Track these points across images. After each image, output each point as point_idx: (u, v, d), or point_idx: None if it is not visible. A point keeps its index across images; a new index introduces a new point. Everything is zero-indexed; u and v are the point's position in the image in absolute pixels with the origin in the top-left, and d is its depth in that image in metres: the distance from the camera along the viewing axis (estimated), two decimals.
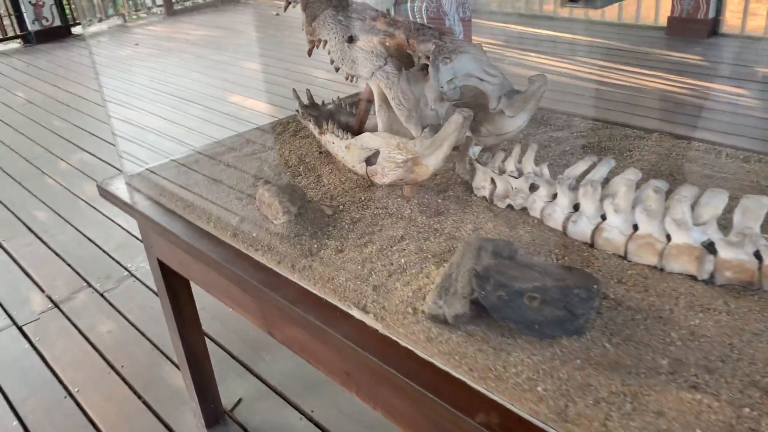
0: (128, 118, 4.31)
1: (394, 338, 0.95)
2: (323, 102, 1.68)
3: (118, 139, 1.66)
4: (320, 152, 1.60)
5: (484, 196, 1.29)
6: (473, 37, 3.26)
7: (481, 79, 1.32)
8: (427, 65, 1.27)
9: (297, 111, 1.63)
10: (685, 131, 3.59)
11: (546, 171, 1.19)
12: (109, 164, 3.83)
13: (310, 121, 1.57)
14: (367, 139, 1.31)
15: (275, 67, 5.52)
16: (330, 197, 1.37)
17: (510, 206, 1.25)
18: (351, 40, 1.35)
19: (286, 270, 1.14)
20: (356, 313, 1.01)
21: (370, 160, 1.34)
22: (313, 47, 1.48)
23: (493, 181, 1.26)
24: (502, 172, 1.25)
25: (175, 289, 1.66)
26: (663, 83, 4.41)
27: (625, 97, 4.17)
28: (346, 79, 1.36)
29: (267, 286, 1.12)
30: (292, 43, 6.11)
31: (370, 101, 1.52)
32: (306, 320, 1.04)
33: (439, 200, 1.30)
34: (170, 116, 4.52)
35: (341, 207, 1.32)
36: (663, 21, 5.66)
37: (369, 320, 0.99)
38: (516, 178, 1.22)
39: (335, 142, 1.44)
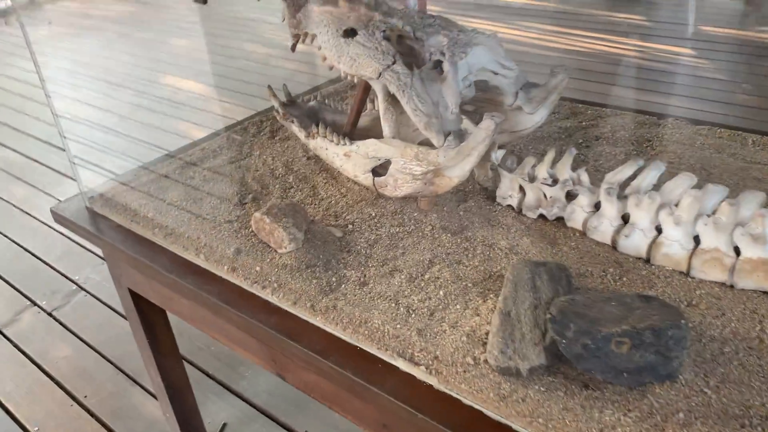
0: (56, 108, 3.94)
1: (456, 395, 0.82)
2: (302, 98, 1.50)
3: (69, 143, 1.43)
4: (308, 157, 1.42)
5: (511, 206, 1.16)
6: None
7: (496, 73, 1.19)
8: (440, 62, 1.12)
9: (276, 111, 1.45)
10: (654, 99, 3.57)
11: (585, 177, 1.07)
12: (39, 162, 3.49)
13: (293, 122, 1.39)
14: (374, 147, 1.16)
15: (211, 44, 5.19)
16: (334, 214, 1.21)
17: (542, 216, 1.12)
18: (348, 34, 1.17)
19: (305, 311, 0.98)
20: (402, 365, 0.87)
21: (377, 170, 1.18)
22: (297, 42, 1.30)
23: (521, 189, 1.14)
24: (532, 179, 1.12)
25: (151, 318, 1.47)
26: (614, 46, 4.38)
27: (582, 64, 4.12)
28: (343, 78, 1.19)
29: (285, 334, 0.96)
30: (227, 16, 5.76)
31: (364, 99, 1.36)
32: (340, 374, 0.89)
33: (461, 212, 1.16)
34: (102, 103, 4.17)
35: (350, 226, 1.16)
36: None
37: (420, 373, 0.85)
38: (550, 185, 1.09)
39: (329, 148, 1.28)
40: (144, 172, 1.42)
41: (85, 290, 2.46)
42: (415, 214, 1.17)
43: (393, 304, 0.95)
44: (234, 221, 1.20)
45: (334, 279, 1.03)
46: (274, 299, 1.02)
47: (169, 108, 4.02)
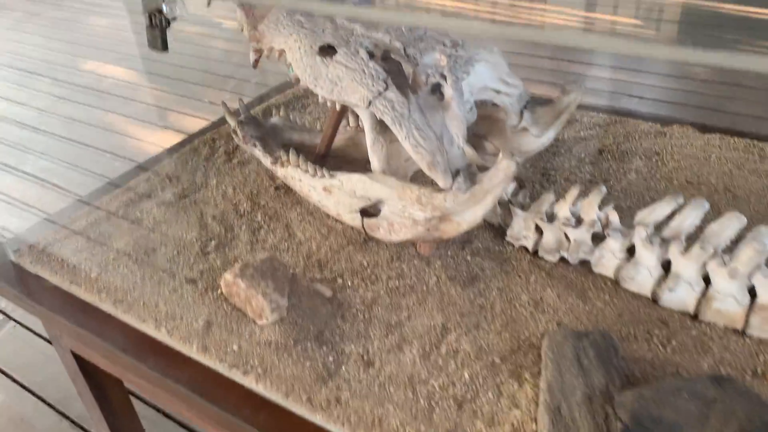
0: None
1: None
2: (259, 113, 1.30)
3: None
4: (276, 187, 1.23)
5: (525, 247, 1.01)
6: None
7: (499, 92, 1.02)
8: (439, 85, 0.94)
9: (233, 132, 1.25)
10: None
11: (615, 218, 0.92)
12: None
13: (255, 146, 1.19)
14: (362, 186, 0.98)
15: (137, 24, 4.80)
16: (318, 264, 1.03)
17: (563, 260, 0.98)
18: (324, 51, 0.98)
19: (301, 405, 0.81)
20: None
21: (366, 211, 1.01)
22: (260, 58, 1.09)
23: (538, 229, 0.98)
24: (551, 218, 0.96)
25: (101, 381, 1.26)
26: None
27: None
28: (324, 102, 1.00)
29: None
30: None
31: (338, 123, 1.17)
32: None
33: (468, 256, 1.01)
34: (14, 95, 3.78)
35: (340, 280, 0.99)
36: None
37: None
38: (574, 227, 0.94)
39: (303, 180, 1.09)
40: (82, 211, 1.19)
41: (14, 320, 2.20)
42: (415, 261, 1.00)
43: (409, 394, 0.79)
44: (198, 280, 1.00)
45: (331, 358, 0.85)
46: (260, 388, 0.84)
47: (94, 98, 3.68)
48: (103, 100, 3.66)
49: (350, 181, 1.00)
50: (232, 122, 1.27)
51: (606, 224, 0.92)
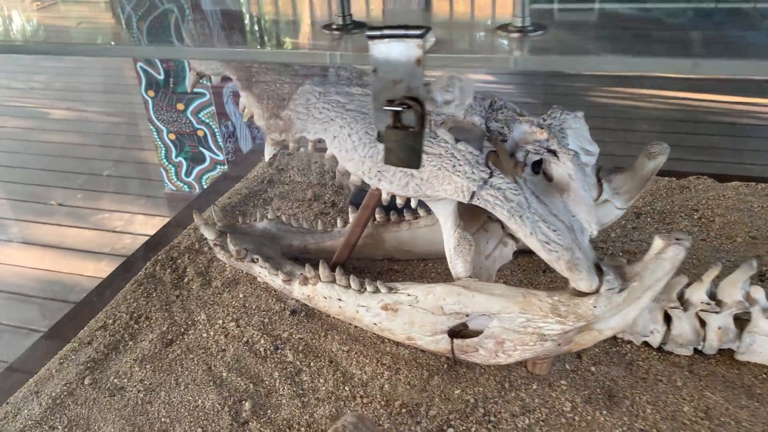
0: None
1: None
2: (240, 218, 1.04)
3: None
4: (291, 311, 0.96)
5: (647, 343, 0.84)
6: None
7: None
8: (540, 162, 0.76)
9: (215, 246, 0.97)
10: None
11: (761, 294, 0.79)
12: None
13: (255, 262, 0.93)
14: (456, 299, 0.76)
15: None
16: (406, 410, 0.78)
17: (698, 352, 0.82)
18: None
19: None
20: None
21: (455, 328, 0.79)
22: (277, 153, 0.84)
23: (667, 318, 0.82)
24: (686, 304, 0.81)
25: None
26: None
27: None
28: (386, 200, 0.78)
29: None
30: None
31: (368, 220, 0.95)
32: None
33: (591, 367, 0.82)
34: None
35: (451, 430, 0.75)
36: None
37: None
38: (717, 312, 0.79)
39: (345, 299, 0.85)
40: (26, 389, 0.83)
41: None
42: (534, 386, 0.79)
43: None
44: None
45: None
46: None
47: None
48: None
49: (433, 294, 0.78)
50: (210, 235, 0.99)
51: (753, 303, 0.79)
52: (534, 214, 0.71)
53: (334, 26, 0.53)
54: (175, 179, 2.79)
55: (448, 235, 0.79)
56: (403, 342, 0.83)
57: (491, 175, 0.72)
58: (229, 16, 0.81)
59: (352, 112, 0.78)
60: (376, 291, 0.83)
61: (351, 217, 1.01)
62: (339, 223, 1.03)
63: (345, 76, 0.83)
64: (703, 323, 0.81)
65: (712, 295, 0.80)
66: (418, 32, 0.35)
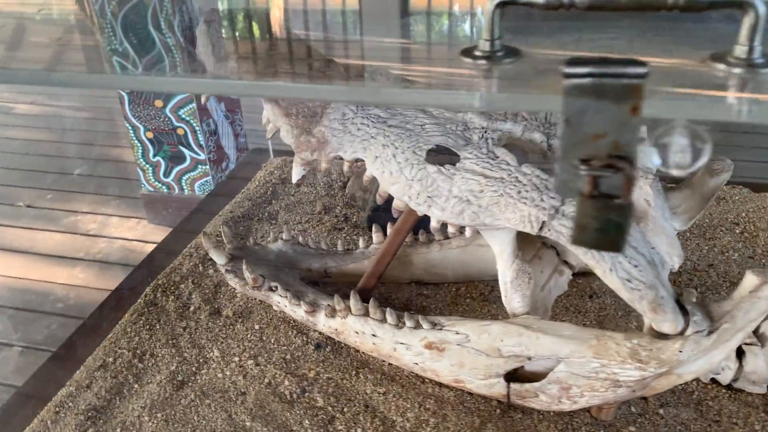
0: None
1: None
2: (251, 239, 0.94)
3: None
4: (316, 346, 0.86)
5: (715, 380, 0.77)
6: None
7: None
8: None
9: (227, 272, 0.87)
10: None
11: None
12: None
13: (273, 291, 0.83)
14: (516, 341, 0.68)
15: None
16: None
17: None
18: (444, 160, 0.67)
19: None
20: None
21: (514, 373, 0.70)
22: (306, 175, 0.74)
23: (739, 353, 0.75)
24: (761, 338, 0.74)
25: None
26: None
27: None
28: (436, 228, 0.69)
29: None
30: None
31: (402, 241, 0.86)
32: None
33: (659, 410, 0.74)
34: None
35: None
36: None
37: None
38: None
39: (380, 335, 0.76)
40: None
41: None
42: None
43: None
44: None
45: None
46: None
47: None
48: None
49: (488, 334, 0.69)
50: (220, 260, 0.89)
51: None
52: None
53: (477, 52, 0.42)
54: (153, 179, 2.64)
55: (504, 266, 0.71)
56: (450, 383, 0.75)
57: (563, 203, 0.63)
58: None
59: (395, 129, 0.68)
60: (417, 326, 0.75)
61: (375, 237, 0.92)
62: (361, 243, 0.94)
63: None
64: None
65: None
66: (640, 70, 0.27)
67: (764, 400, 0.74)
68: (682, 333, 0.62)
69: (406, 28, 0.61)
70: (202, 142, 2.49)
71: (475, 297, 0.92)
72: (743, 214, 1.08)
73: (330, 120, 0.70)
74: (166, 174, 2.63)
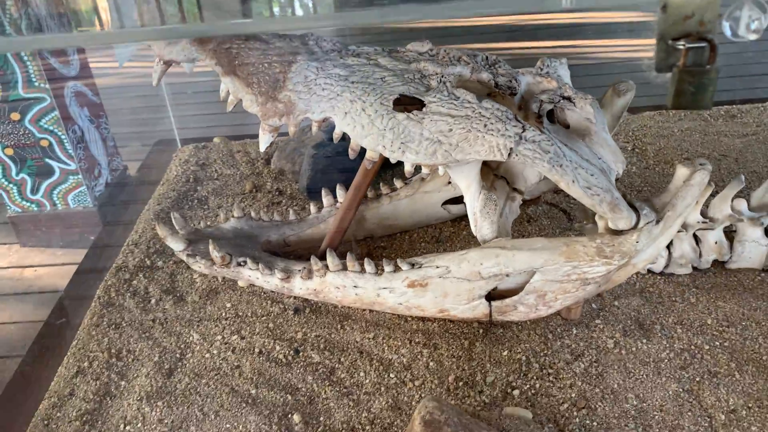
0: None
1: None
2: (201, 222, 0.94)
3: None
4: (294, 310, 0.89)
5: (650, 270, 0.89)
6: None
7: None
8: (553, 111, 0.77)
9: (189, 257, 0.87)
10: None
11: (744, 206, 0.86)
12: None
13: (243, 265, 0.85)
14: (494, 262, 0.75)
15: None
16: (463, 383, 0.76)
17: (695, 269, 0.89)
18: (402, 106, 0.72)
19: None
20: None
21: (494, 291, 0.78)
22: (274, 139, 0.76)
23: (669, 246, 0.87)
24: (686, 225, 0.86)
25: None
26: None
27: None
28: (410, 173, 0.74)
29: None
30: None
31: (362, 198, 0.90)
32: None
33: (615, 302, 0.85)
34: None
35: (516, 392, 0.74)
36: None
37: None
38: (713, 229, 0.86)
39: (362, 284, 0.81)
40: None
41: None
42: (575, 330, 0.81)
43: None
44: None
45: None
46: None
47: None
48: None
49: (467, 261, 0.76)
50: (178, 246, 0.88)
51: (738, 216, 0.86)
52: (571, 162, 0.71)
53: None
54: (20, 199, 2.44)
55: (472, 198, 0.77)
56: (434, 316, 0.81)
57: (524, 129, 0.71)
58: None
59: (358, 84, 0.72)
60: (397, 270, 0.79)
61: (325, 201, 0.95)
62: (312, 209, 0.97)
63: (329, 48, 0.77)
64: (698, 241, 0.87)
65: (703, 214, 0.87)
66: None
67: (692, 278, 0.88)
68: (635, 227, 0.72)
69: None
70: (70, 151, 2.33)
71: (428, 240, 0.98)
72: (630, 134, 1.23)
73: (294, 84, 0.72)
74: (34, 191, 2.44)
